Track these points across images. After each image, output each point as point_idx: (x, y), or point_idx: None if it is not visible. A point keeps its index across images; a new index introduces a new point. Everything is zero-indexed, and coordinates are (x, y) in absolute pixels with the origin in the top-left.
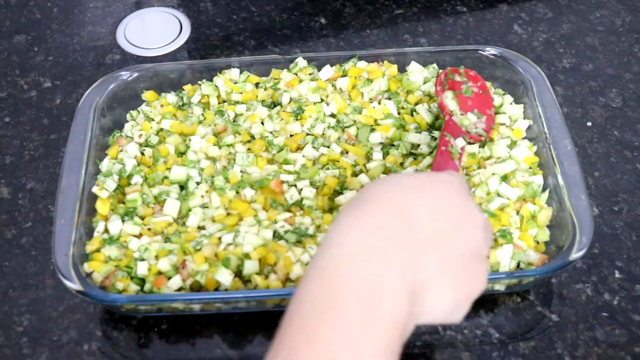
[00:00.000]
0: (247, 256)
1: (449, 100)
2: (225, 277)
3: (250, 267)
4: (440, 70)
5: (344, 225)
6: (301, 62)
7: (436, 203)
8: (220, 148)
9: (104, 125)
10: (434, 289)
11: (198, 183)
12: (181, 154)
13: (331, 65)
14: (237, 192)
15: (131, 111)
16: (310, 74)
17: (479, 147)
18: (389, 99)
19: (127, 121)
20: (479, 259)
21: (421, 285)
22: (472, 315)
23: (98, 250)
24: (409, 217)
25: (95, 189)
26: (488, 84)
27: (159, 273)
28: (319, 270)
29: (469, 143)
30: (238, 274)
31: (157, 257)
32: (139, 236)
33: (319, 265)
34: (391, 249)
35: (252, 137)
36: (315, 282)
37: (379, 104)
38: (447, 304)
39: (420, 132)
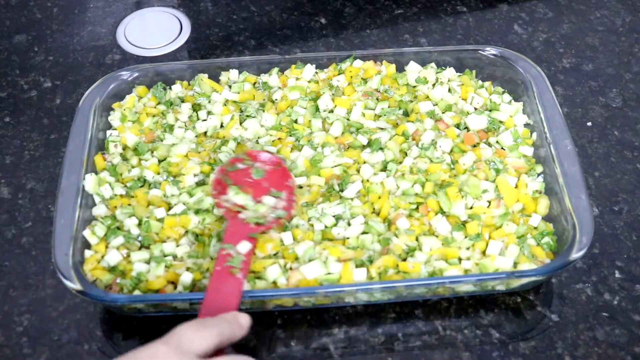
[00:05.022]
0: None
1: (235, 197)
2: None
3: (273, 273)
4: (221, 166)
5: None
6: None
7: None
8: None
9: (104, 125)
10: None
11: (199, 184)
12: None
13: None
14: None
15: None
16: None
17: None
18: (380, 96)
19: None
20: None
21: None
22: (472, 315)
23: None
24: None
25: (86, 234)
26: (487, 82)
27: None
28: None
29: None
30: None
31: (167, 268)
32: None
33: None
34: None
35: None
36: None
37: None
38: None
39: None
